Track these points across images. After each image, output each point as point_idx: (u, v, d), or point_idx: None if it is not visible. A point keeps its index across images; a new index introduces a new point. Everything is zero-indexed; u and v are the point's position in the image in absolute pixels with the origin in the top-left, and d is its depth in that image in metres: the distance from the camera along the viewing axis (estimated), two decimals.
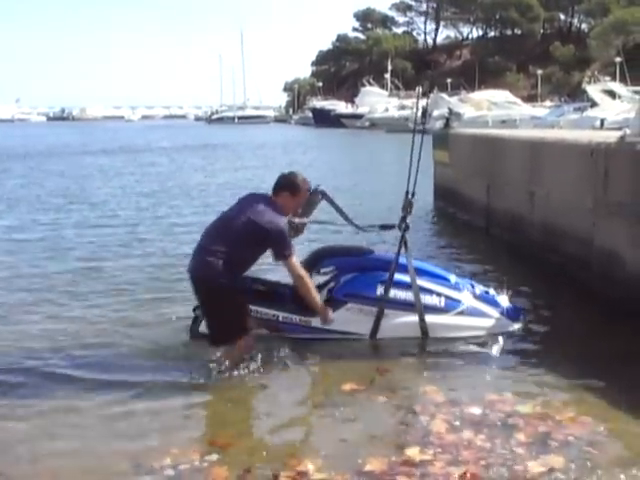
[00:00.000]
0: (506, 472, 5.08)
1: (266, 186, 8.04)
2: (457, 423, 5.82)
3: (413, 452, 5.28)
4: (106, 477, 5.16)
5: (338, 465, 5.12)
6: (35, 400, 6.54)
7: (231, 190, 22.32)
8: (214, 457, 5.30)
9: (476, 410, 6.09)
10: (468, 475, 4.96)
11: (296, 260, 7.10)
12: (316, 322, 7.75)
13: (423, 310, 7.79)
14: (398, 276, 7.90)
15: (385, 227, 8.32)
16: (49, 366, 7.36)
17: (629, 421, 5.93)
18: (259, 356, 7.24)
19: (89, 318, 9.02)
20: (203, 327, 7.61)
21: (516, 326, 8.24)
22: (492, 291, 8.45)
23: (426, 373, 7.24)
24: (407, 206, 8.00)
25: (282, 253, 6.99)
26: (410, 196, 8.03)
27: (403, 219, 7.94)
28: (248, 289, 7.93)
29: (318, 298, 7.38)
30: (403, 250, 7.90)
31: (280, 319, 7.89)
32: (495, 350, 7.78)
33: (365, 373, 7.05)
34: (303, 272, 7.15)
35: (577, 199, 10.20)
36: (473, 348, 7.78)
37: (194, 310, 7.96)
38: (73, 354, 7.72)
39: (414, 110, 10.20)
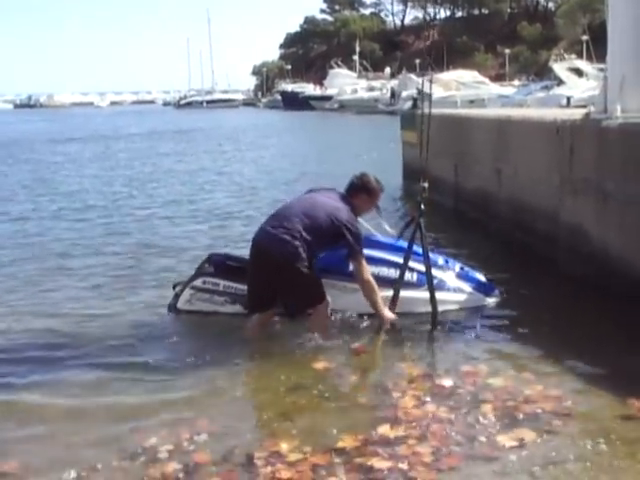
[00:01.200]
0: (476, 446, 5.14)
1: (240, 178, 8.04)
2: (427, 398, 5.87)
3: (384, 429, 5.31)
4: (88, 460, 5.12)
5: (312, 444, 5.15)
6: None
7: (203, 177, 22.48)
8: (193, 442, 5.30)
9: (447, 382, 6.17)
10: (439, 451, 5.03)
11: (365, 263, 7.29)
12: None
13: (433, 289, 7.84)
14: (389, 256, 8.07)
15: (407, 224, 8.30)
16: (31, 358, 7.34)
17: (598, 394, 5.99)
18: (234, 337, 7.42)
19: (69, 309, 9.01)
20: (181, 303, 8.18)
21: (489, 300, 8.40)
22: (466, 267, 8.61)
23: (402, 349, 7.30)
24: (421, 191, 8.04)
25: (356, 253, 7.21)
26: (422, 181, 8.07)
27: (418, 204, 7.97)
28: (223, 266, 8.35)
29: (381, 301, 7.46)
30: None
31: None
32: (470, 324, 7.86)
33: (339, 351, 7.12)
34: (370, 276, 7.33)
35: (544, 176, 10.27)
36: (449, 323, 7.87)
37: (174, 287, 8.40)
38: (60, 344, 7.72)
39: (423, 90, 10.18)
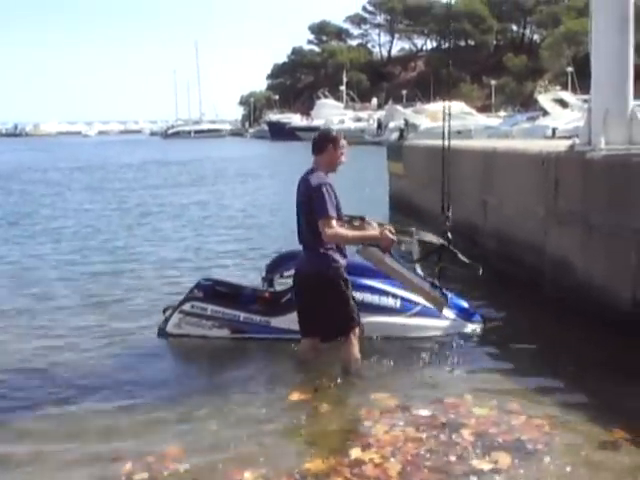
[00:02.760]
0: (448, 466, 5.21)
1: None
2: (401, 425, 5.95)
3: (356, 453, 5.40)
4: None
5: (276, 471, 5.23)
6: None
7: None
8: (165, 471, 5.34)
9: (425, 412, 6.21)
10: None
11: (333, 223, 6.81)
12: (275, 322, 8.26)
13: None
14: (366, 281, 8.15)
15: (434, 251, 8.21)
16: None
17: (581, 422, 6.04)
18: (217, 364, 7.72)
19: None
20: (170, 327, 8.53)
21: (472, 327, 8.49)
22: (450, 293, 8.56)
23: (382, 380, 7.28)
24: (445, 221, 8.16)
25: (321, 212, 6.81)
26: (446, 210, 8.21)
27: (444, 233, 8.04)
28: (212, 291, 8.68)
29: (359, 233, 7.23)
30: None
31: (241, 319, 8.39)
32: (455, 354, 7.88)
33: (315, 382, 7.15)
34: (338, 229, 6.87)
35: (529, 208, 10.32)
36: (433, 353, 7.92)
37: (164, 311, 8.75)
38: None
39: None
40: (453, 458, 5.33)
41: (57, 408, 6.78)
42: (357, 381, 7.21)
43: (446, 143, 8.94)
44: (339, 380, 7.15)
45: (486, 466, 5.17)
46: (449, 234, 8.02)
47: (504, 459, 5.26)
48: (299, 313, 7.35)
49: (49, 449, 5.89)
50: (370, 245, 7.25)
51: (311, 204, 6.88)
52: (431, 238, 8.04)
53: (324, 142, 7.24)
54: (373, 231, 7.25)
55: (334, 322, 7.13)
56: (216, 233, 18.15)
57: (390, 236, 7.13)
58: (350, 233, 7.10)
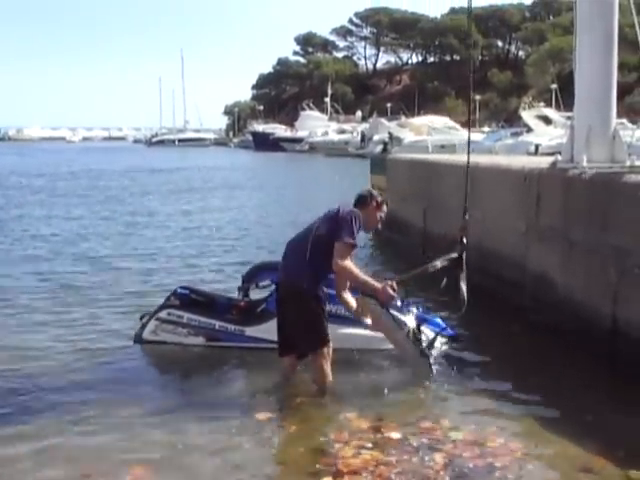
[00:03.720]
0: None
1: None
2: (369, 447, 5.90)
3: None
4: None
5: None
6: None
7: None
8: None
9: (396, 435, 6.16)
10: None
11: (349, 250, 6.99)
12: (250, 331, 8.43)
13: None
14: None
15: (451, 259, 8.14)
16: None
17: (560, 448, 6.01)
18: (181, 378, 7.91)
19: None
20: (147, 334, 8.64)
21: (449, 342, 8.58)
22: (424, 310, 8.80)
23: (355, 400, 7.22)
24: (464, 227, 8.17)
25: (345, 235, 6.92)
26: (466, 217, 8.27)
27: (461, 240, 8.05)
28: (188, 299, 8.83)
29: (366, 277, 7.26)
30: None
31: (216, 327, 8.56)
32: (433, 374, 7.77)
33: (285, 401, 7.18)
34: (348, 262, 6.99)
35: (511, 223, 10.35)
36: (407, 369, 7.87)
37: (141, 318, 8.84)
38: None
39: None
40: None
41: (24, 416, 6.74)
42: (328, 399, 7.16)
43: (469, 159, 9.18)
44: (310, 398, 7.15)
45: None
46: (465, 240, 8.01)
47: None
48: (278, 329, 7.37)
49: (9, 471, 5.77)
50: (369, 295, 7.36)
51: (333, 228, 6.99)
52: (443, 262, 8.01)
53: (369, 198, 7.46)
54: (376, 283, 7.25)
55: (306, 337, 7.15)
56: (200, 243, 18.15)
57: (391, 293, 7.24)
58: (359, 273, 7.16)
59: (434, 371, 7.72)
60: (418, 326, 8.00)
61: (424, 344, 7.83)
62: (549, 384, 7.50)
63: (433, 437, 6.11)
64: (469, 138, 9.81)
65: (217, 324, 8.62)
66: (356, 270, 7.09)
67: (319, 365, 7.15)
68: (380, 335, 7.82)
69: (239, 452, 5.99)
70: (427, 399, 7.33)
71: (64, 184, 38.99)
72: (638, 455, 5.70)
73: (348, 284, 7.52)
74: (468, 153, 9.20)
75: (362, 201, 7.40)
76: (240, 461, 5.83)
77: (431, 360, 7.79)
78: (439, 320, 8.73)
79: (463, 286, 7.81)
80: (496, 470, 5.52)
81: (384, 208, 7.53)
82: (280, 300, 7.31)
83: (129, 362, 8.33)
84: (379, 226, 7.67)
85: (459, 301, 7.77)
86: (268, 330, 7.97)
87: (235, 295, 9.22)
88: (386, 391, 7.38)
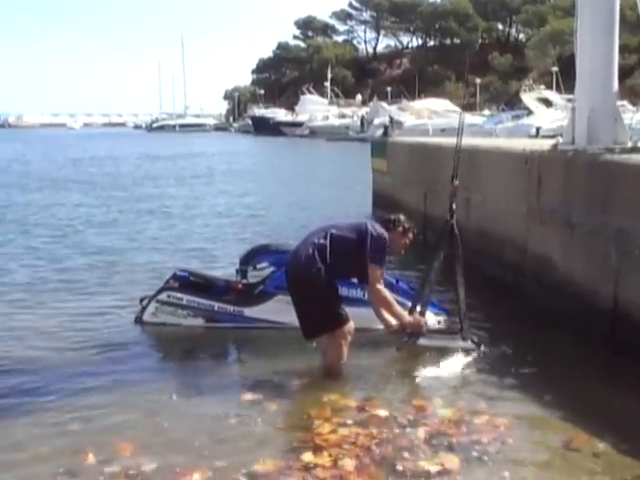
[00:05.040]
0: (395, 467, 5.22)
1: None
2: (349, 424, 5.94)
3: (307, 457, 5.37)
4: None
5: (227, 471, 5.21)
6: None
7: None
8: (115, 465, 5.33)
9: (383, 412, 6.19)
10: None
11: (381, 275, 7.21)
12: (249, 312, 8.64)
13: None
14: None
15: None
16: None
17: (546, 425, 6.05)
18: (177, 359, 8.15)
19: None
20: (147, 316, 8.85)
21: (437, 319, 8.64)
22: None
23: (346, 380, 7.30)
24: (453, 192, 8.27)
25: (376, 260, 7.10)
26: (454, 181, 8.36)
27: (450, 205, 8.13)
28: (187, 281, 9.05)
29: (399, 310, 7.43)
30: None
31: (215, 308, 8.78)
32: (428, 355, 7.82)
33: (272, 382, 7.20)
34: (382, 286, 7.23)
35: (512, 206, 10.34)
36: (403, 351, 7.94)
37: (141, 301, 9.10)
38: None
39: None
40: (403, 455, 5.38)
41: (22, 396, 6.83)
42: (326, 381, 7.20)
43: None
44: (302, 380, 7.24)
45: (433, 468, 5.17)
46: (454, 206, 8.12)
47: (451, 461, 5.27)
48: (297, 314, 7.41)
49: (10, 442, 5.91)
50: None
51: (361, 243, 7.10)
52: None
53: (398, 223, 7.54)
54: (410, 317, 7.48)
55: (323, 319, 7.18)
56: (205, 228, 18.22)
57: (423, 329, 7.61)
58: (393, 301, 7.34)
59: (481, 347, 7.87)
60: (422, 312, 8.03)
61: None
62: (547, 364, 7.51)
63: (422, 415, 6.13)
64: (463, 97, 9.62)
65: (216, 305, 8.79)
66: (390, 297, 7.31)
67: (337, 344, 7.19)
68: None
69: (224, 429, 6.04)
70: (421, 380, 7.31)
71: (73, 171, 38.97)
72: (630, 435, 5.70)
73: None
74: (461, 114, 9.11)
75: (389, 225, 7.49)
76: (223, 440, 5.86)
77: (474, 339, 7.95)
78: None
79: (460, 285, 7.88)
80: (478, 445, 5.54)
81: (410, 235, 7.63)
82: (292, 286, 7.36)
83: (128, 342, 8.45)
84: (403, 252, 7.79)
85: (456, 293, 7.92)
86: (266, 310, 8.54)
87: (233, 278, 9.29)
88: (377, 374, 7.42)
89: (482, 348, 7.83)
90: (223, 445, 5.72)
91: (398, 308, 7.37)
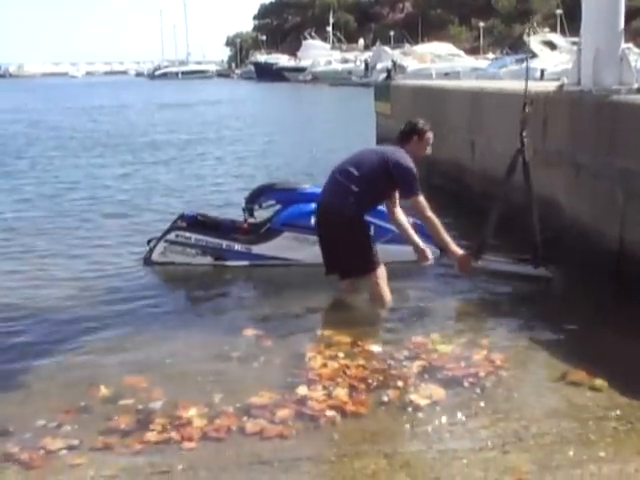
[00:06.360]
0: (384, 398, 5.32)
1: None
2: (341, 357, 6.03)
3: (301, 390, 5.45)
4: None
5: (227, 404, 5.28)
6: None
7: None
8: (122, 401, 5.40)
9: (376, 348, 6.28)
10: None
11: (424, 200, 7.23)
12: (256, 249, 8.83)
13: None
14: None
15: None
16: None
17: (550, 361, 6.06)
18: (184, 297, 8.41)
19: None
20: (155, 255, 9.02)
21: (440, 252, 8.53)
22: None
23: (338, 314, 7.47)
24: (523, 119, 8.19)
25: (412, 191, 7.15)
26: (526, 108, 8.21)
27: (520, 132, 8.12)
28: (195, 220, 9.19)
29: (447, 237, 7.46)
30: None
31: (224, 246, 8.94)
32: (433, 295, 7.92)
33: (275, 318, 7.33)
34: (430, 212, 7.25)
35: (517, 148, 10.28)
36: (410, 288, 8.07)
37: (148, 242, 9.27)
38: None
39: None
40: (393, 384, 5.52)
41: (34, 333, 7.01)
42: (324, 317, 7.44)
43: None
44: (303, 316, 7.36)
45: (423, 401, 5.22)
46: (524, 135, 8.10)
47: (439, 393, 5.34)
48: (322, 251, 7.46)
49: (32, 377, 6.02)
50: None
51: (382, 172, 7.11)
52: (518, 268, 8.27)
53: (410, 133, 7.49)
54: (458, 249, 7.52)
55: (352, 261, 7.26)
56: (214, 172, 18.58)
57: (470, 266, 7.69)
58: (441, 226, 7.36)
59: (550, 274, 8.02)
60: None
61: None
62: (553, 303, 7.62)
63: (419, 350, 6.17)
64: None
65: (224, 243, 8.94)
66: (439, 222, 7.34)
67: (374, 290, 7.32)
68: (383, 249, 7.85)
69: (224, 365, 6.11)
70: (425, 318, 7.30)
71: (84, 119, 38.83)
72: (630, 370, 5.75)
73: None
74: (526, 59, 9.03)
75: (405, 137, 7.50)
76: (223, 372, 5.97)
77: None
78: None
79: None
80: (474, 377, 5.60)
81: (428, 135, 7.59)
82: (322, 225, 7.40)
83: (137, 282, 8.63)
84: (428, 151, 7.70)
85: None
86: (274, 247, 8.80)
87: (240, 217, 9.44)
88: (377, 310, 7.47)
89: (553, 276, 7.95)
90: (222, 379, 5.79)
91: (445, 234, 7.42)
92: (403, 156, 7.21)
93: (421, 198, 7.19)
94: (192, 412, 5.11)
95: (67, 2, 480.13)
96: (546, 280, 8.02)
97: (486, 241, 8.03)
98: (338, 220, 7.14)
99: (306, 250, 8.54)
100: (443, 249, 7.68)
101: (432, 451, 4.63)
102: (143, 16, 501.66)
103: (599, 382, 5.46)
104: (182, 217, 9.35)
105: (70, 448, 4.74)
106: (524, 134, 8.03)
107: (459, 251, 7.50)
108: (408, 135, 7.49)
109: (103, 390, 5.52)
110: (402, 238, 7.92)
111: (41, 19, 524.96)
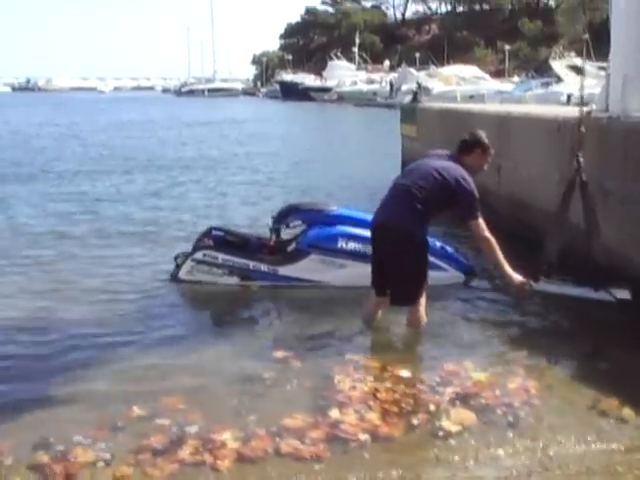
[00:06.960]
0: (414, 422, 5.35)
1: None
2: (371, 379, 6.13)
3: (334, 413, 5.46)
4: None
5: (258, 427, 5.29)
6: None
7: None
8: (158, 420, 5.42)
9: (405, 373, 6.23)
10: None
11: (483, 222, 6.99)
12: (283, 271, 8.82)
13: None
14: (355, 230, 8.63)
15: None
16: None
17: (575, 393, 6.01)
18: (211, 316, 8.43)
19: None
20: (182, 274, 9.04)
21: (469, 279, 8.84)
22: (447, 247, 9.05)
23: (378, 344, 7.36)
24: (578, 141, 8.28)
25: (473, 213, 6.95)
26: (581, 128, 8.25)
27: (576, 156, 8.19)
28: (222, 240, 9.25)
29: (504, 260, 7.17)
30: None
31: (250, 267, 8.95)
32: (464, 320, 7.90)
33: (304, 340, 7.30)
34: (489, 234, 7.02)
35: (544, 173, 10.31)
36: (439, 312, 7.95)
37: (175, 259, 9.30)
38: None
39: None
40: (424, 409, 5.56)
41: (68, 352, 7.00)
42: (353, 341, 7.27)
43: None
44: (331, 338, 7.32)
45: (454, 427, 5.22)
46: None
47: (470, 419, 5.35)
48: (373, 267, 7.31)
49: (59, 391, 6.07)
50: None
51: (444, 189, 6.89)
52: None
53: (474, 145, 7.31)
54: (515, 275, 7.21)
55: (408, 287, 7.08)
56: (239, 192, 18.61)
57: (524, 292, 7.39)
58: (498, 248, 7.07)
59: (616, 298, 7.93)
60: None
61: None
62: (584, 329, 7.57)
63: (451, 377, 6.15)
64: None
65: (251, 264, 8.95)
66: (498, 249, 7.06)
67: (416, 315, 7.18)
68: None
69: (256, 387, 6.10)
70: (454, 343, 7.23)
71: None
72: None
73: None
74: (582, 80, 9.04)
75: (467, 148, 7.31)
76: (255, 394, 5.97)
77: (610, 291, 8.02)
78: (459, 256, 9.19)
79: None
80: (508, 407, 5.57)
81: (491, 151, 7.42)
82: (380, 240, 7.14)
83: (164, 300, 8.67)
84: (485, 168, 7.55)
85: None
86: (300, 269, 8.82)
87: (267, 236, 9.46)
88: (408, 336, 7.43)
89: (616, 298, 7.87)
90: (255, 402, 5.79)
91: (503, 258, 7.13)
92: (465, 176, 6.97)
93: (480, 219, 6.95)
94: (226, 435, 5.12)
95: (95, 18, 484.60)
96: (608, 303, 7.92)
97: (546, 264, 8.05)
98: (404, 241, 6.91)
99: (332, 273, 8.67)
100: (500, 272, 7.34)
101: (456, 478, 4.65)
102: (170, 32, 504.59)
103: (627, 412, 5.46)
104: (209, 234, 9.43)
105: (101, 462, 4.80)
106: (579, 154, 8.06)
107: (515, 275, 7.21)
108: (471, 147, 7.29)
109: (137, 411, 5.53)
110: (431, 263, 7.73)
111: (69, 34, 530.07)
